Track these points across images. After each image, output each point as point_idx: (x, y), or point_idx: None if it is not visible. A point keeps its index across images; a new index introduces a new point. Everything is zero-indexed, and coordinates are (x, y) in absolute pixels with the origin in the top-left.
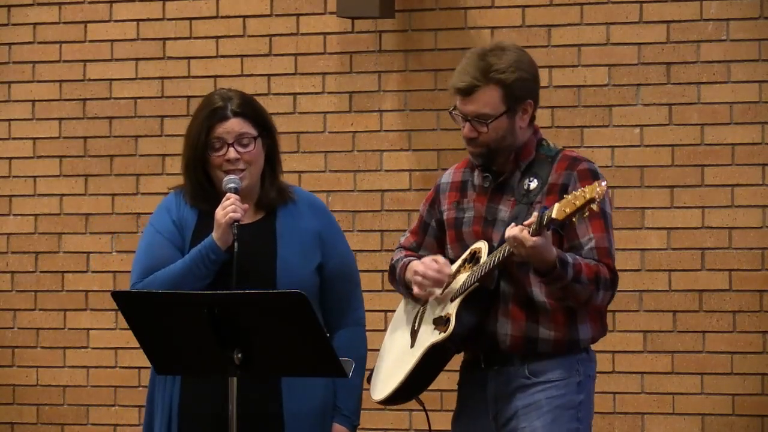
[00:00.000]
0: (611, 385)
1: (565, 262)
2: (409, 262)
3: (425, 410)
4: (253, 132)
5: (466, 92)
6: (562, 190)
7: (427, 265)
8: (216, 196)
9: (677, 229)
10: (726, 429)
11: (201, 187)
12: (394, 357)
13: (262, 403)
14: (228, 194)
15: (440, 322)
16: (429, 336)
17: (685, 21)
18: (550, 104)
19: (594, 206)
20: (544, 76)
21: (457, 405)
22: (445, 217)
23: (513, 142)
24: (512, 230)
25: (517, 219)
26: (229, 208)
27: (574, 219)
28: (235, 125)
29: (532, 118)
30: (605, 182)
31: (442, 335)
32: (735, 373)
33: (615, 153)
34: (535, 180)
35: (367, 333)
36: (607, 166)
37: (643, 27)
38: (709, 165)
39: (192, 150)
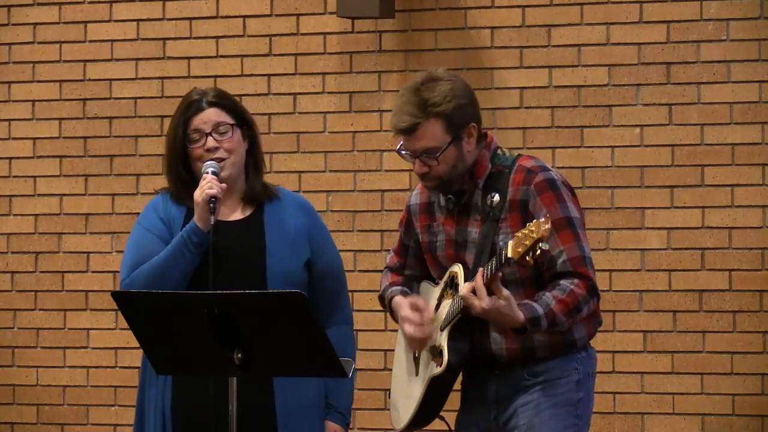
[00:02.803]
0: (611, 385)
1: (537, 319)
2: (394, 296)
3: (447, 424)
4: (230, 120)
5: (408, 131)
6: (522, 207)
7: (411, 320)
8: None
9: (677, 229)
10: (726, 429)
11: (184, 184)
12: (404, 384)
13: (255, 402)
14: (204, 175)
15: (435, 353)
16: (428, 367)
17: (685, 21)
18: (550, 104)
19: (543, 245)
20: (544, 76)
21: (460, 407)
22: (420, 240)
23: (464, 167)
24: (465, 288)
25: (486, 238)
26: (205, 186)
27: (528, 257)
28: (211, 115)
29: (480, 136)
30: (546, 220)
31: (439, 369)
32: (735, 373)
33: (615, 153)
34: (497, 195)
35: (367, 333)
36: (607, 166)
37: (643, 27)
38: (709, 165)
39: (171, 146)
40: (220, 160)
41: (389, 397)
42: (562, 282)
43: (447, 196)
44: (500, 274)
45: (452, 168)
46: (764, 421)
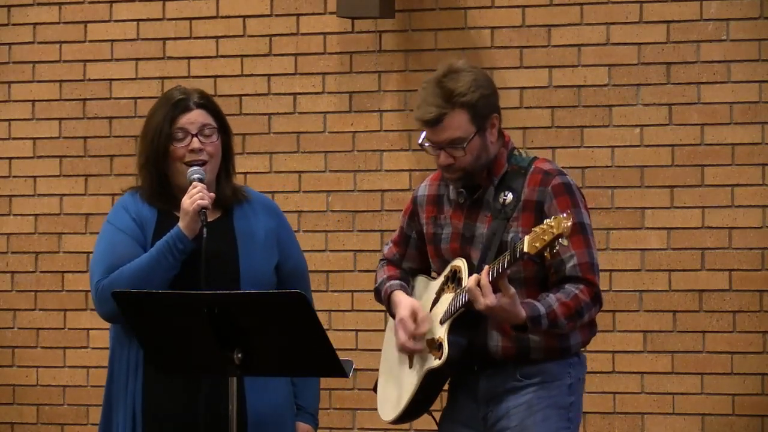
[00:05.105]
0: (611, 385)
1: (537, 318)
2: (392, 291)
3: (435, 420)
4: (214, 123)
5: (435, 122)
6: (537, 208)
7: (406, 327)
8: (173, 194)
9: (677, 229)
10: (726, 429)
11: (159, 184)
12: (396, 376)
13: (226, 403)
14: (194, 183)
15: (433, 346)
16: (424, 360)
17: (685, 21)
18: (550, 104)
19: (563, 241)
20: (544, 76)
21: (447, 404)
22: (424, 231)
23: (488, 158)
24: (471, 281)
25: (495, 235)
26: (196, 196)
27: (546, 253)
28: (198, 116)
29: (499, 130)
30: (568, 215)
31: (438, 362)
32: (735, 373)
33: (615, 153)
34: (510, 194)
35: (367, 333)
36: (607, 166)
37: (643, 27)
38: (709, 165)
39: (152, 144)
40: (201, 162)
41: (375, 386)
42: (567, 286)
43: (459, 189)
44: (509, 271)
45: (477, 159)
46: (764, 421)
